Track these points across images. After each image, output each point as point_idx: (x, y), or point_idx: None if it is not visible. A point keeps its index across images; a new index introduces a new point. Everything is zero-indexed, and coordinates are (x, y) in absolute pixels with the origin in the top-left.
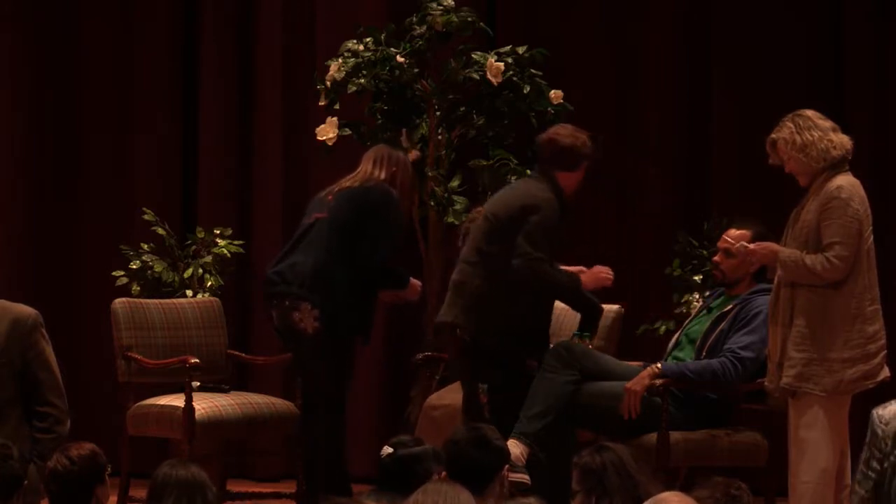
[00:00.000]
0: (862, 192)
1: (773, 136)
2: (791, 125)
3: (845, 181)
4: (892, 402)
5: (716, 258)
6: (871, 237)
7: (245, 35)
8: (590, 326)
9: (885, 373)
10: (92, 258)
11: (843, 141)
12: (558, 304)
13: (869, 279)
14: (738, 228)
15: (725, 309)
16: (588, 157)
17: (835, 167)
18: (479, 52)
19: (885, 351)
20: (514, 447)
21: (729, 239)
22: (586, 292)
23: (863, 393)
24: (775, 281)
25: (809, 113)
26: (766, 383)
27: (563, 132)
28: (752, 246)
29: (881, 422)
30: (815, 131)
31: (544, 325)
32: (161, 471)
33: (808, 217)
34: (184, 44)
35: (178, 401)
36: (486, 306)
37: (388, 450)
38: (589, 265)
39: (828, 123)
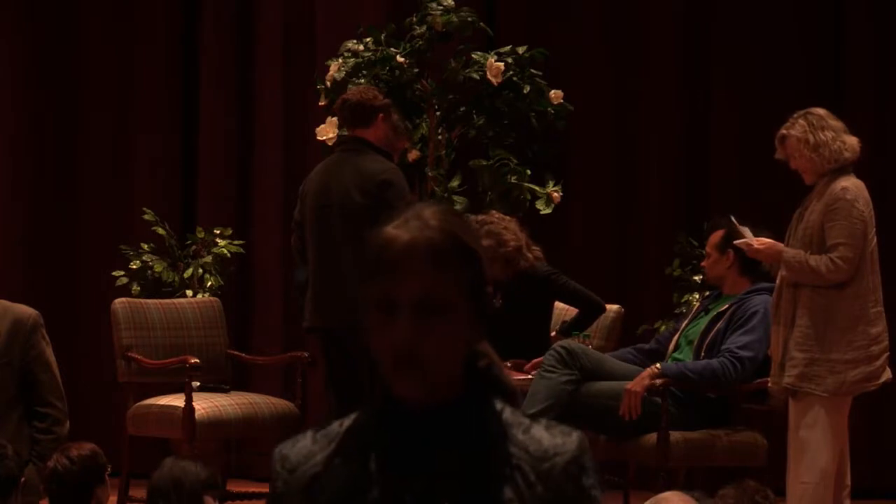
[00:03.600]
0: (866, 193)
1: (784, 131)
2: (804, 123)
3: (850, 183)
4: (303, 435)
5: (703, 262)
6: (875, 239)
7: (245, 35)
8: (586, 325)
9: (888, 375)
10: (92, 258)
11: (853, 143)
12: (558, 304)
13: (873, 281)
14: (714, 229)
15: (722, 308)
16: (381, 109)
17: (842, 169)
18: (479, 52)
19: (888, 353)
20: None
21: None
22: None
23: (864, 394)
24: (778, 281)
25: (821, 112)
26: (769, 384)
27: (352, 91)
28: (756, 245)
29: (285, 467)
30: (828, 132)
31: None
32: (163, 469)
33: (813, 218)
34: (184, 44)
35: (178, 401)
36: None
37: None
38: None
39: (839, 124)
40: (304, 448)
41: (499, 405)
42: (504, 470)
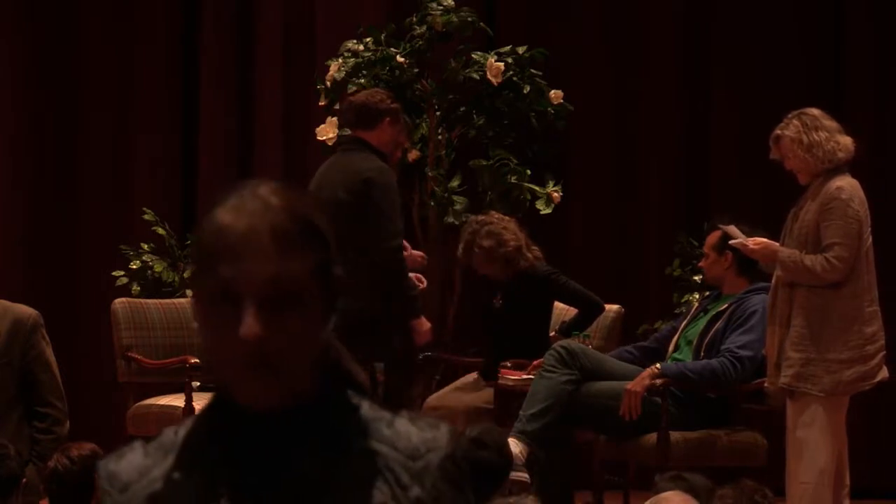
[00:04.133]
0: (861, 193)
1: (778, 132)
2: (798, 123)
3: (845, 182)
4: (130, 447)
5: (701, 263)
6: (870, 238)
7: (245, 35)
8: (585, 325)
9: (884, 373)
10: (92, 258)
11: (847, 143)
12: (558, 304)
13: (868, 280)
14: (713, 230)
15: (721, 308)
16: (387, 113)
17: (837, 169)
18: (479, 52)
19: (884, 352)
20: (514, 446)
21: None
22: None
23: (861, 393)
24: (773, 280)
25: (816, 112)
26: (766, 384)
27: (360, 93)
28: (751, 245)
29: (114, 486)
30: (822, 132)
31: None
32: None
33: (808, 218)
34: (184, 44)
35: (178, 401)
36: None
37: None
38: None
39: (834, 124)
40: (136, 463)
41: (355, 399)
42: (371, 471)
